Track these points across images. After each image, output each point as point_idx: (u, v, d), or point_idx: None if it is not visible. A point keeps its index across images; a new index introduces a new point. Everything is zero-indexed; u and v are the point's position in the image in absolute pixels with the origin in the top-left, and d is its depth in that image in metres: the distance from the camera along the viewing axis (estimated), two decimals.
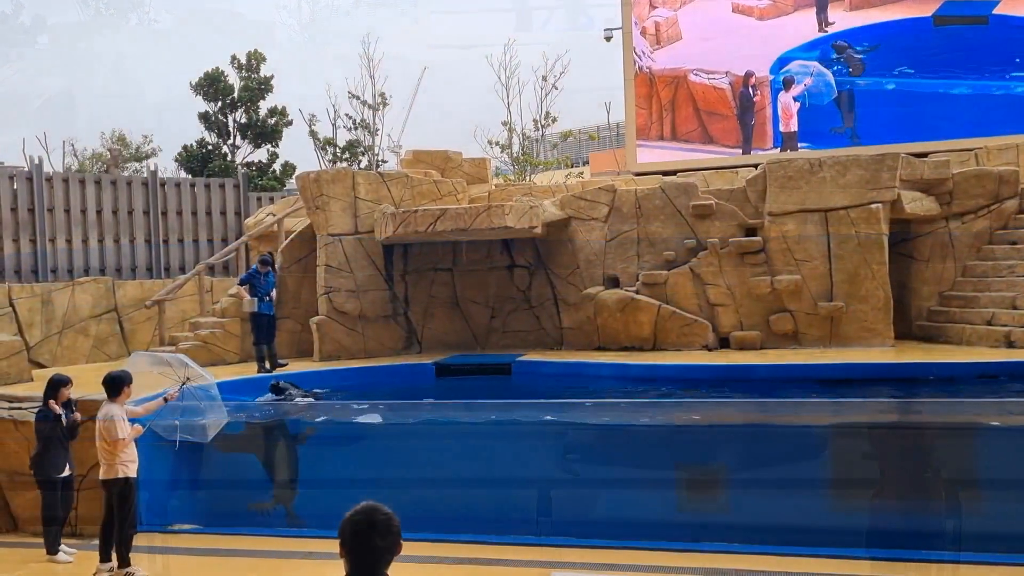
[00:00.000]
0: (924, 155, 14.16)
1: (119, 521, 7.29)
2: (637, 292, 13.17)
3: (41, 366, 14.16)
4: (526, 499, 8.10)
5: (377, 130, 28.22)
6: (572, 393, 10.82)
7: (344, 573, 2.86)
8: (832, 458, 8.06)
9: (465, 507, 8.19)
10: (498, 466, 8.43)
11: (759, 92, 18.18)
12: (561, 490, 8.14)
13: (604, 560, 7.13)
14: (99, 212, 17.33)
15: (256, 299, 12.28)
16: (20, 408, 8.89)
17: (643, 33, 19.01)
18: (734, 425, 8.65)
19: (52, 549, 7.78)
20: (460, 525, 7.87)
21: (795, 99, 17.97)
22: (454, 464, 8.54)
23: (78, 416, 7.95)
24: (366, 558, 2.82)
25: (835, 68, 17.69)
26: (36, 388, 10.59)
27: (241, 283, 12.71)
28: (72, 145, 32.56)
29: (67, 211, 16.91)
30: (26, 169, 17.17)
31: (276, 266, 13.25)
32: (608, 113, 32.95)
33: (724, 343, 12.88)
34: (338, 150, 27.78)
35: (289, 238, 14.76)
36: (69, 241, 16.91)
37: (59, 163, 30.31)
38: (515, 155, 26.88)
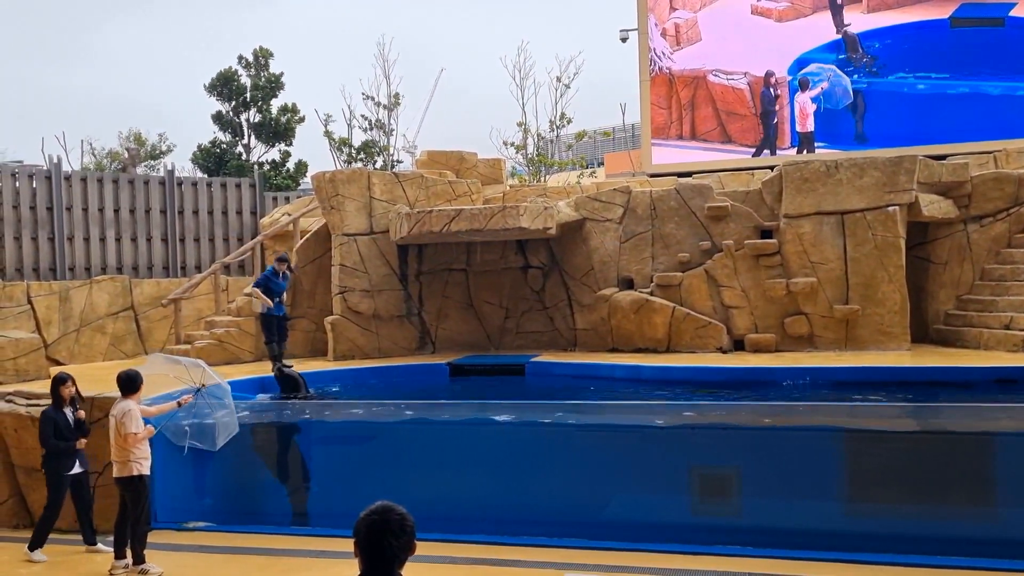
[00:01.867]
0: (942, 158, 14.06)
1: (133, 518, 7.33)
2: (651, 294, 13.14)
3: (59, 363, 14.29)
4: (539, 500, 8.10)
5: (392, 130, 28.30)
6: (585, 394, 10.80)
7: (358, 572, 2.87)
8: (847, 461, 8.01)
9: (478, 507, 8.19)
10: (510, 467, 8.42)
11: (779, 92, 18.16)
12: (574, 491, 8.12)
13: (616, 562, 7.11)
14: (116, 211, 17.46)
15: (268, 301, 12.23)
16: (38, 405, 8.95)
17: (663, 34, 19.00)
18: (747, 427, 8.61)
19: (36, 545, 7.69)
20: (473, 525, 7.87)
21: (812, 100, 17.91)
22: (467, 464, 8.53)
23: (82, 413, 8.03)
24: (380, 557, 2.84)
25: (850, 69, 17.60)
26: None
27: (256, 285, 12.62)
28: (90, 144, 32.90)
29: (85, 209, 17.05)
30: (45, 168, 17.32)
31: (291, 265, 13.20)
32: (623, 114, 32.94)
33: (739, 345, 12.83)
34: (353, 150, 27.86)
35: (304, 238, 14.83)
36: (87, 239, 17.05)
37: (77, 162, 30.61)
38: (530, 156, 26.88)
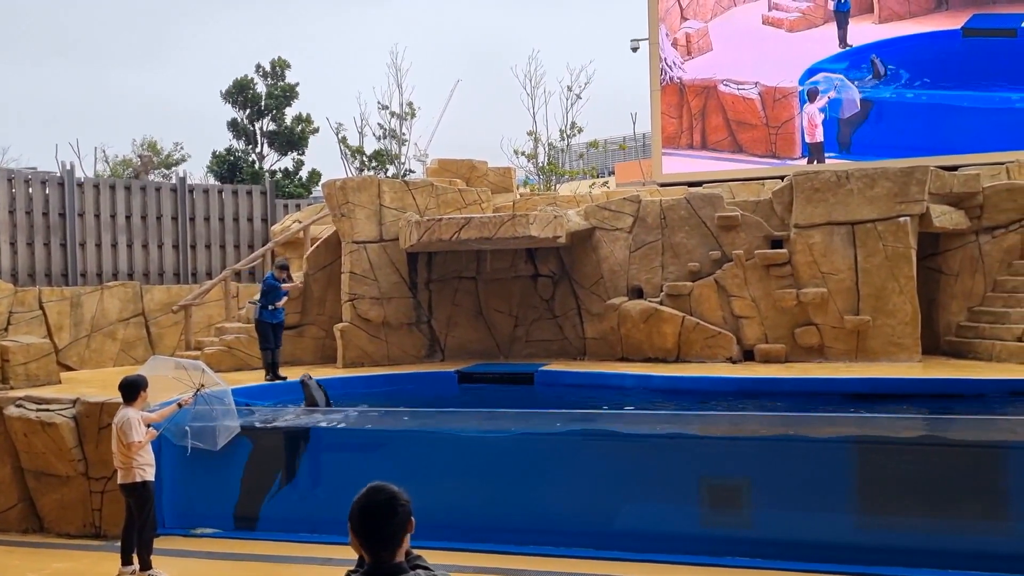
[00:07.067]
0: (954, 168, 13.99)
1: (139, 524, 7.34)
2: (661, 303, 13.11)
3: (69, 368, 14.35)
4: (546, 509, 8.06)
5: (405, 139, 28.40)
6: (594, 403, 10.77)
7: (363, 568, 2.84)
8: (858, 473, 7.94)
9: (486, 517, 8.16)
10: (519, 475, 8.39)
11: (782, 102, 18.14)
12: (582, 501, 8.08)
13: (624, 572, 7.09)
14: (128, 217, 17.56)
15: (260, 306, 12.02)
16: (48, 410, 8.99)
17: (674, 44, 19.01)
18: (756, 438, 8.55)
19: None
20: (481, 535, 7.84)
21: (820, 110, 17.89)
22: (473, 473, 8.51)
23: None
24: (379, 536, 2.80)
25: (860, 78, 17.57)
26: (64, 390, 10.73)
27: (272, 296, 12.09)
28: (103, 151, 33.11)
29: (97, 216, 17.15)
30: (58, 174, 17.44)
31: (290, 273, 12.89)
32: (634, 123, 32.88)
33: (749, 356, 12.78)
34: (365, 158, 27.98)
35: (315, 245, 14.86)
36: (99, 246, 17.15)
37: (90, 168, 30.80)
38: (540, 165, 26.92)
